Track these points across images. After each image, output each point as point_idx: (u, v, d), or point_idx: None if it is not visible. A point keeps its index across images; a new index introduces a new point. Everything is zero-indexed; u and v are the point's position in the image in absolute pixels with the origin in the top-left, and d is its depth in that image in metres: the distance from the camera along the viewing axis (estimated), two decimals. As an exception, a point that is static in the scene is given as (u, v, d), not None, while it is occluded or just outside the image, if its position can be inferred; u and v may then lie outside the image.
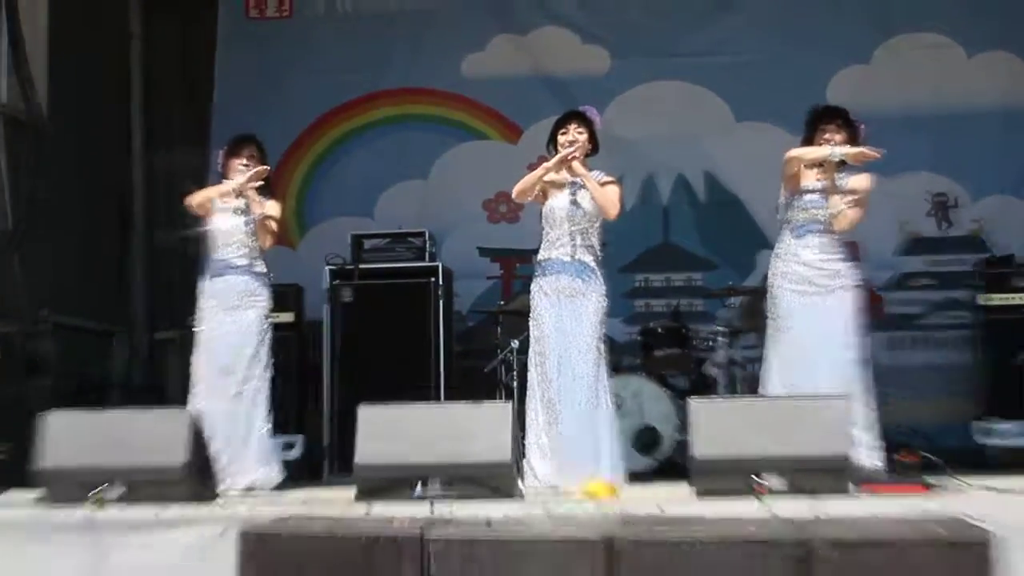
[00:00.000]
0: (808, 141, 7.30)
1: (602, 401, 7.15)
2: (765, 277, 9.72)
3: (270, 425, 7.49)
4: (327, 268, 9.40)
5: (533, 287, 7.35)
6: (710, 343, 9.19)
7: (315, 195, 11.03)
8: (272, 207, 7.66)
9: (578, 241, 7.29)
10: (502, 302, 9.94)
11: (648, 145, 10.60)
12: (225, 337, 7.41)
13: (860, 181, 7.23)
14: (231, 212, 7.59)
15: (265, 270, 7.64)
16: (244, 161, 7.58)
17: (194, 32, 11.27)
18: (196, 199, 7.53)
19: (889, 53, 10.55)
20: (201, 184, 8.12)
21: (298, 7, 11.26)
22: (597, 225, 7.37)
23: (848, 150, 7.07)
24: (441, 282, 9.33)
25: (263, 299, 7.56)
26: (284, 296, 9.19)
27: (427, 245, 9.57)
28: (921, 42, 10.55)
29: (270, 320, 7.60)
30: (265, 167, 7.59)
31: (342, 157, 11.05)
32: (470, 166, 10.82)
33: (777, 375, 7.07)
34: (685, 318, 9.64)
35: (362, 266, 9.40)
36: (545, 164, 7.33)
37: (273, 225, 7.61)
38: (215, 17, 11.20)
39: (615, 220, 7.39)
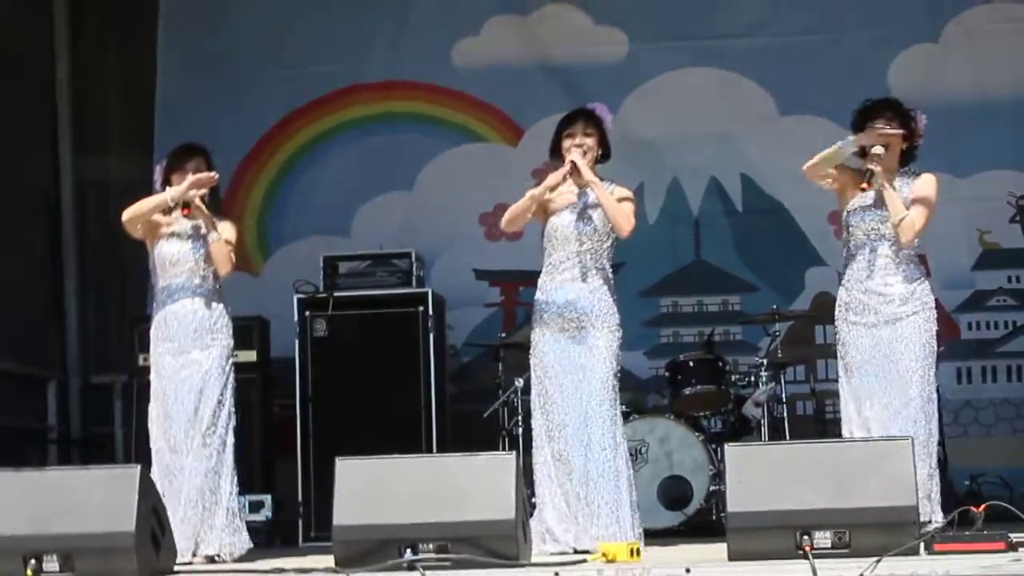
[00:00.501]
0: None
1: (620, 449, 7.32)
2: (814, 300, 10.03)
3: (236, 483, 7.62)
4: (296, 297, 9.55)
5: (534, 318, 7.46)
6: (750, 378, 9.34)
7: (280, 211, 11.13)
8: (226, 228, 7.74)
9: (588, 263, 7.42)
10: (503, 334, 10.01)
11: (674, 145, 10.76)
12: (184, 383, 7.53)
13: (923, 186, 7.38)
14: (178, 236, 7.68)
15: (224, 302, 7.75)
16: (189, 177, 7.62)
17: (131, 12, 11.26)
18: (128, 214, 7.61)
19: (962, 29, 10.67)
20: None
21: (256, -15, 11.30)
22: (609, 244, 7.49)
23: (855, 137, 7.22)
24: (431, 312, 9.47)
25: (224, 336, 7.68)
26: (245, 331, 9.33)
27: (414, 268, 9.69)
28: (1000, 15, 10.65)
29: (232, 360, 7.72)
30: (211, 174, 7.65)
31: (312, 165, 11.15)
32: (464, 173, 10.93)
33: (852, 421, 7.27)
34: (720, 349, 9.73)
35: (337, 294, 9.55)
36: (535, 191, 7.43)
37: (228, 249, 7.68)
38: (156, -2, 11.21)
39: (629, 237, 7.50)
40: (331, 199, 10.95)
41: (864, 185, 7.23)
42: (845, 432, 7.29)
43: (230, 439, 7.58)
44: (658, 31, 10.89)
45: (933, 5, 10.70)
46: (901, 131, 7.25)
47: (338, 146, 11.13)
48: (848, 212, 7.38)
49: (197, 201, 7.57)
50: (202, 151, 7.81)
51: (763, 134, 10.69)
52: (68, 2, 11.27)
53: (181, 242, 7.66)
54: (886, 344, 7.21)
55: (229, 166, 10.85)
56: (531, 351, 7.49)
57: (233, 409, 7.64)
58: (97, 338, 11.08)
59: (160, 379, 7.59)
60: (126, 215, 7.63)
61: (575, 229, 7.44)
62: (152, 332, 7.69)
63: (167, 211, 7.69)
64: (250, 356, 9.48)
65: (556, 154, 7.59)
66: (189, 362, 7.56)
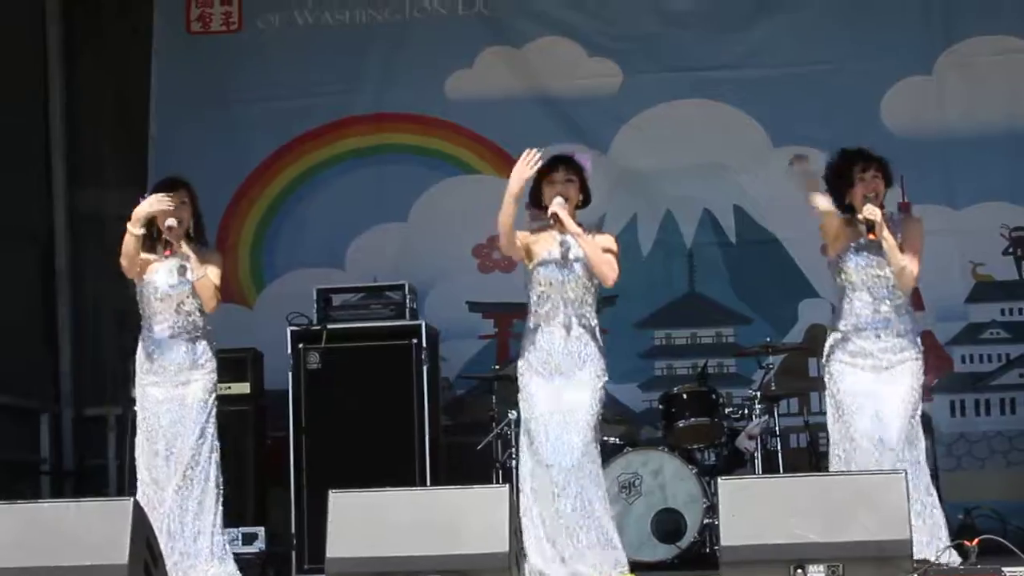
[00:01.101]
0: (838, 194, 7.51)
1: (600, 490, 7.37)
2: (807, 332, 10.06)
3: (221, 516, 7.62)
4: (289, 330, 9.56)
5: (521, 363, 7.53)
6: (744, 411, 9.34)
7: (273, 243, 11.16)
8: (212, 263, 7.75)
9: (571, 311, 7.47)
10: (497, 366, 10.02)
11: (667, 177, 10.80)
12: (165, 416, 7.56)
13: (914, 232, 7.52)
14: (163, 273, 7.69)
15: (209, 337, 7.77)
16: (173, 212, 7.61)
17: (125, 50, 11.37)
18: (123, 262, 7.61)
19: (955, 61, 10.71)
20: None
21: (249, 19, 11.38)
22: (593, 291, 7.55)
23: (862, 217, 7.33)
24: (425, 344, 9.48)
25: (208, 370, 7.70)
26: (239, 363, 9.37)
27: (407, 300, 9.70)
28: (993, 47, 10.69)
29: (215, 394, 7.73)
30: (163, 197, 7.55)
31: (305, 197, 11.19)
32: (457, 205, 10.94)
33: (838, 460, 7.36)
34: (714, 381, 9.75)
35: (330, 326, 9.57)
36: (511, 190, 7.43)
37: (214, 286, 7.68)
38: (150, 33, 11.29)
39: (615, 281, 7.53)
40: (324, 231, 11.00)
41: (871, 236, 7.30)
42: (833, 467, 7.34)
43: (213, 472, 7.59)
44: (651, 63, 10.94)
45: (926, 37, 10.75)
46: (875, 216, 7.30)
47: (331, 178, 11.17)
48: (841, 256, 7.44)
49: (182, 240, 7.60)
50: (185, 184, 7.81)
51: (756, 166, 10.72)
52: (62, 36, 11.36)
53: (166, 279, 7.68)
54: (885, 387, 7.31)
55: (222, 198, 10.95)
56: (520, 394, 7.55)
57: (216, 443, 7.65)
58: (90, 370, 11.12)
59: (144, 412, 7.63)
60: (122, 263, 7.64)
61: (559, 277, 7.49)
62: (136, 366, 7.73)
63: (151, 248, 7.71)
64: (243, 388, 9.51)
65: (536, 202, 7.64)
66: (172, 396, 7.59)
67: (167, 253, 7.63)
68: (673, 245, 10.81)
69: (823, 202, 7.39)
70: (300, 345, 9.51)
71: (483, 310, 10.77)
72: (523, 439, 7.48)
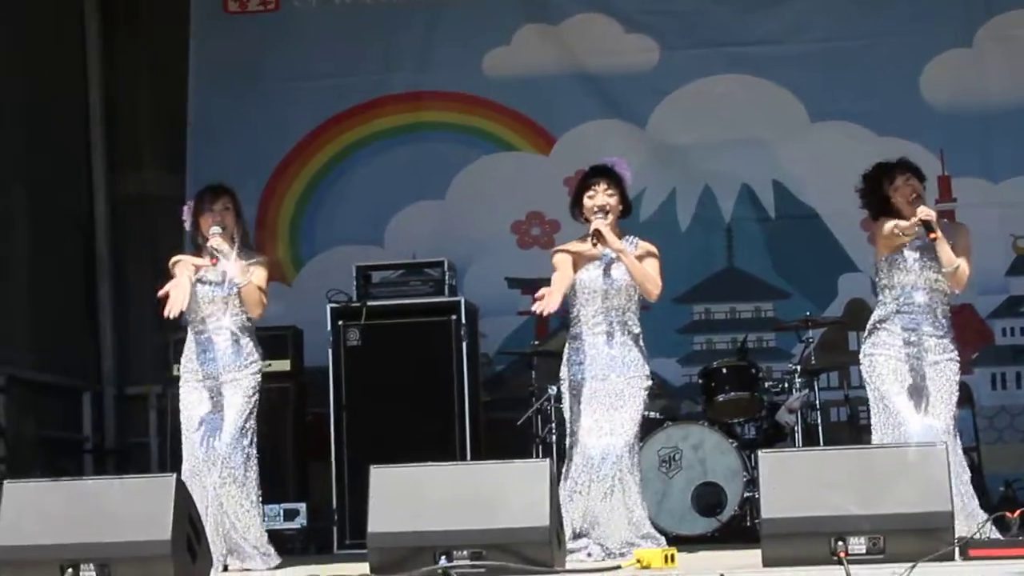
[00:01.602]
0: (877, 206, 7.55)
1: (636, 478, 7.45)
2: (847, 307, 10.04)
3: (260, 504, 7.66)
4: (329, 307, 9.61)
5: (564, 367, 7.62)
6: (784, 385, 9.34)
7: (312, 221, 11.18)
8: (258, 270, 7.75)
9: (614, 318, 7.53)
10: (536, 342, 10.07)
11: (705, 152, 10.77)
12: (210, 417, 7.58)
13: (964, 237, 7.58)
14: (210, 280, 7.71)
15: (254, 339, 7.77)
16: (217, 218, 7.67)
17: (163, 32, 11.37)
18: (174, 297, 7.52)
19: (994, 35, 10.65)
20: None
21: (286, -3, 11.40)
22: (636, 299, 7.60)
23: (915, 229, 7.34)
24: (464, 320, 9.53)
25: (252, 371, 7.70)
26: (279, 341, 9.41)
27: (446, 277, 9.74)
28: (1034, 18, 10.61)
29: (258, 394, 7.72)
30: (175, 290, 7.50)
31: (343, 175, 11.20)
32: (495, 182, 10.97)
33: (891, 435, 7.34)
34: (754, 356, 9.76)
35: (370, 303, 9.61)
36: (566, 254, 7.53)
37: (260, 293, 7.69)
38: (187, 14, 11.28)
39: (656, 298, 7.64)
40: (363, 209, 11.01)
41: (932, 236, 7.29)
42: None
43: (253, 464, 7.60)
44: (689, 38, 10.91)
45: (966, 10, 10.68)
46: (932, 215, 7.31)
47: (370, 156, 11.16)
48: (899, 253, 7.44)
49: (225, 249, 7.59)
50: (227, 191, 7.84)
51: (795, 140, 10.71)
52: (100, 20, 11.38)
53: (213, 286, 7.71)
54: (920, 382, 7.34)
55: (261, 178, 10.99)
56: (566, 390, 7.62)
57: (254, 439, 7.65)
58: (132, 349, 11.18)
59: (186, 410, 7.67)
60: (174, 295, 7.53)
61: (602, 285, 7.54)
62: (182, 362, 7.77)
63: (197, 252, 7.79)
64: (284, 365, 9.56)
65: (577, 209, 7.66)
66: (215, 393, 7.61)
67: (213, 262, 7.64)
68: (712, 220, 10.79)
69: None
70: (340, 322, 9.55)
71: (522, 286, 10.70)
72: (570, 435, 7.54)
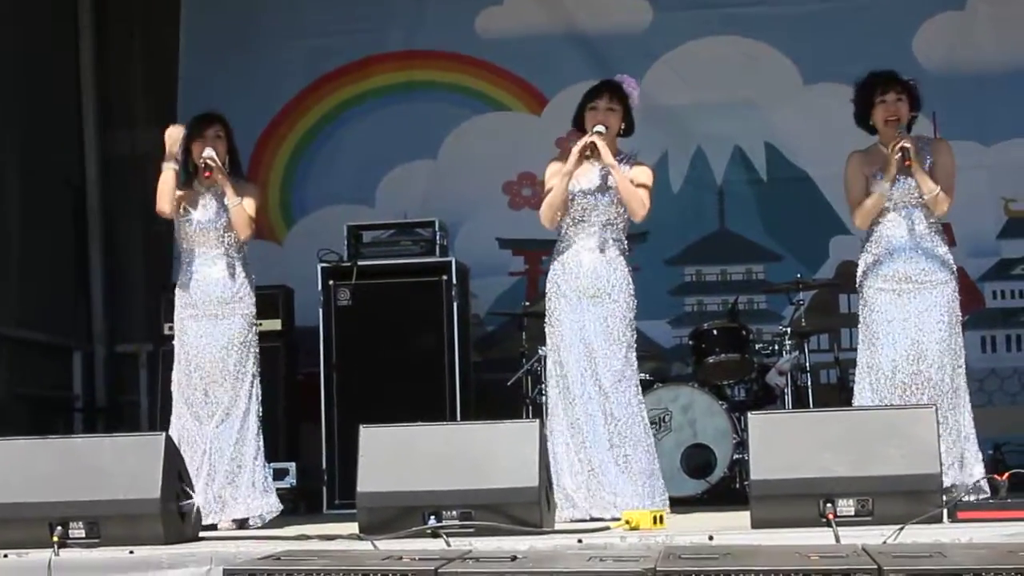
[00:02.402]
0: (862, 116, 7.50)
1: (640, 417, 7.36)
2: (838, 269, 10.04)
3: (262, 449, 7.67)
4: (320, 266, 9.59)
5: (549, 285, 7.50)
6: (774, 347, 9.34)
7: (303, 180, 11.17)
8: (248, 192, 7.78)
9: (605, 234, 7.44)
10: (527, 303, 10.06)
11: (698, 114, 10.76)
12: (205, 351, 7.59)
13: (945, 155, 7.47)
14: (201, 205, 7.72)
15: (248, 270, 7.79)
16: (209, 143, 7.68)
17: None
18: (159, 203, 7.65)
19: (988, -6, 10.62)
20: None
21: (279, -44, 11.32)
22: (626, 216, 7.52)
23: (887, 176, 7.29)
24: (455, 280, 9.50)
25: (247, 304, 7.73)
26: (270, 300, 9.38)
27: (437, 237, 9.72)
28: (1027, -21, 10.56)
29: (256, 328, 7.77)
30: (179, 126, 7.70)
31: (335, 134, 11.18)
32: (487, 142, 10.95)
33: (871, 388, 7.32)
34: (744, 318, 9.77)
35: (361, 263, 9.59)
36: (565, 170, 7.41)
37: (248, 213, 7.70)
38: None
39: (646, 216, 7.52)
40: (354, 168, 11.01)
41: (908, 163, 7.23)
42: (859, 397, 7.32)
43: (254, 406, 7.63)
44: (682, -1, 10.89)
45: (959, -28, 10.64)
46: (909, 139, 7.27)
47: (361, 115, 11.16)
48: (871, 179, 7.39)
49: (219, 166, 7.61)
50: (219, 118, 7.86)
51: (787, 102, 10.71)
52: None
53: (204, 211, 7.72)
54: (915, 314, 7.26)
55: (252, 136, 10.95)
56: (547, 320, 7.52)
57: (257, 377, 7.69)
58: (122, 308, 11.17)
59: (183, 346, 7.66)
60: (158, 205, 7.69)
61: (594, 200, 7.46)
62: (176, 299, 7.75)
63: (188, 184, 7.75)
64: (274, 325, 9.55)
65: (578, 125, 7.59)
66: (212, 329, 7.62)
67: (207, 175, 7.62)
68: (704, 182, 10.79)
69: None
70: (331, 281, 9.54)
71: (513, 247, 10.77)
72: (551, 367, 7.45)
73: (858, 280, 7.49)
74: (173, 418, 7.59)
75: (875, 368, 7.30)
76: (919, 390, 7.15)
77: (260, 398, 7.69)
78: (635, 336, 7.47)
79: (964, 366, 7.38)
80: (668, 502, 7.33)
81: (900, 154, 7.20)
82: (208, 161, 7.59)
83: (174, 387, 7.65)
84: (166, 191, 7.64)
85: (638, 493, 7.20)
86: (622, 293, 7.40)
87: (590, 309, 7.37)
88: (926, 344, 7.22)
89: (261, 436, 7.68)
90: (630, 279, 7.46)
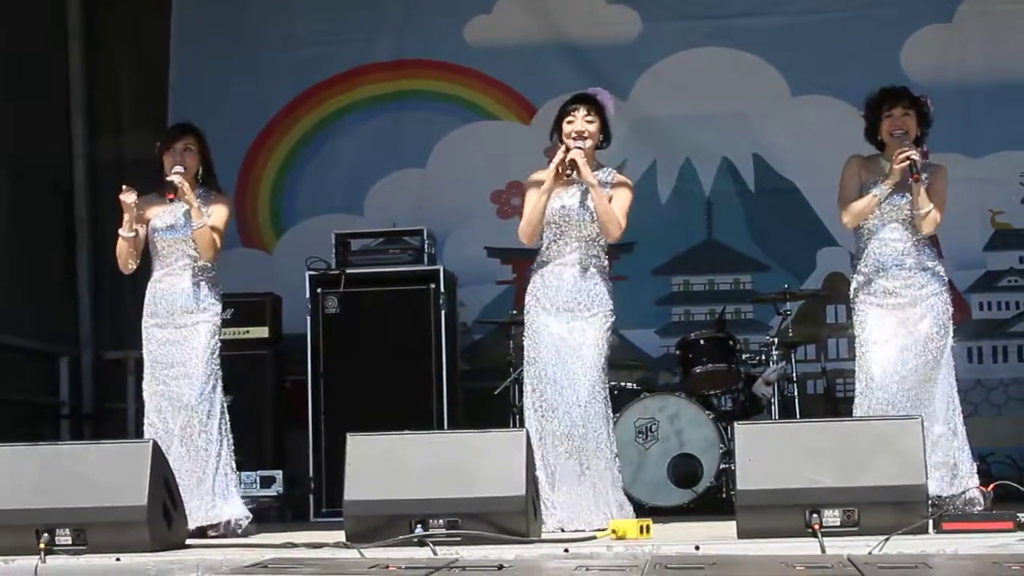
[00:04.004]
0: (872, 130, 7.51)
1: (607, 431, 7.32)
2: (826, 280, 10.06)
3: (231, 457, 7.64)
4: (308, 274, 9.58)
5: (528, 298, 7.47)
6: (761, 357, 9.35)
7: (293, 189, 11.16)
8: (217, 211, 7.72)
9: (585, 249, 7.41)
10: (515, 311, 10.05)
11: (686, 125, 10.75)
12: (170, 358, 7.59)
13: (941, 180, 7.50)
14: (168, 222, 7.69)
15: (212, 281, 7.75)
16: (178, 158, 7.64)
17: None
18: (119, 261, 7.72)
19: (975, 9, 10.65)
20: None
21: (269, -37, 11.32)
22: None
23: (887, 182, 7.30)
24: (443, 289, 9.51)
25: (212, 313, 7.70)
26: (258, 307, 9.41)
27: (426, 245, 9.72)
28: (1013, -5, 10.58)
29: (219, 337, 7.73)
30: (129, 191, 7.59)
31: (324, 144, 11.17)
32: (476, 151, 10.96)
33: (867, 404, 7.31)
34: (732, 328, 9.73)
35: (349, 271, 9.59)
36: (543, 187, 7.38)
37: (213, 235, 7.65)
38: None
39: (617, 239, 7.48)
40: (344, 177, 11.00)
41: (914, 177, 7.24)
42: (860, 407, 7.32)
43: (217, 413, 7.59)
44: (670, 10, 10.90)
45: (946, -16, 10.66)
46: (917, 152, 7.28)
47: (351, 125, 11.15)
48: (867, 185, 7.41)
49: (185, 187, 7.55)
50: (193, 130, 7.81)
51: (775, 114, 10.72)
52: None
53: (170, 226, 7.70)
54: (910, 323, 7.30)
55: (242, 145, 10.98)
56: (525, 332, 7.49)
57: (221, 385, 7.65)
58: (110, 314, 11.14)
59: (149, 354, 7.67)
60: (120, 267, 7.75)
61: (576, 215, 7.41)
62: (144, 309, 7.74)
63: (161, 194, 7.71)
64: (262, 332, 9.56)
65: (557, 135, 7.54)
66: (175, 338, 7.61)
67: (170, 196, 7.60)
68: (692, 193, 10.79)
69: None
70: (318, 289, 9.54)
71: (501, 256, 10.76)
72: (528, 380, 7.40)
73: (851, 296, 7.50)
74: (145, 426, 7.59)
75: (871, 383, 7.30)
76: (911, 405, 7.14)
77: (225, 406, 7.66)
78: (609, 350, 7.44)
79: (955, 377, 7.37)
80: (633, 514, 7.25)
81: (906, 163, 7.21)
82: (174, 180, 7.54)
83: (145, 395, 7.66)
84: (123, 257, 7.68)
85: (598, 508, 7.16)
86: (601, 308, 7.37)
87: (568, 325, 7.34)
88: (920, 357, 7.23)
89: (227, 444, 7.63)
90: (608, 294, 7.42)
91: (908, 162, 7.20)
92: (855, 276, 7.50)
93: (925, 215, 7.28)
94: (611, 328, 7.43)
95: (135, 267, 7.74)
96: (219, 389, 7.64)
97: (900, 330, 7.29)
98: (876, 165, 7.45)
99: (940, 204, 7.38)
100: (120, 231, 7.66)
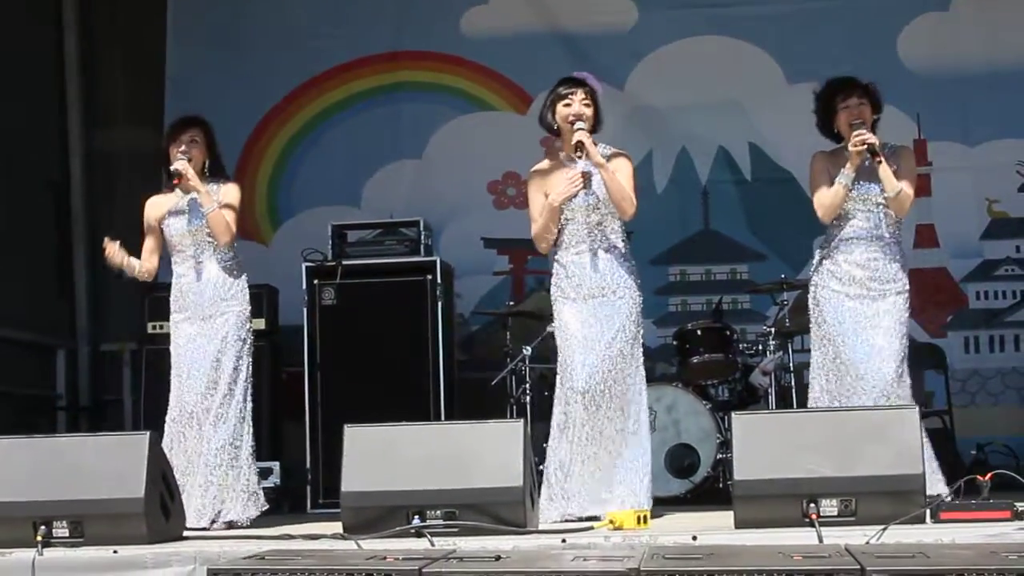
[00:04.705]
0: (826, 124, 7.54)
1: (644, 416, 7.31)
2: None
3: (252, 451, 7.63)
4: (305, 266, 9.57)
5: (552, 289, 7.41)
6: (758, 347, 9.35)
7: (289, 181, 11.19)
8: (228, 193, 7.70)
9: (597, 233, 7.34)
10: (511, 302, 10.08)
11: (682, 114, 10.77)
12: (200, 350, 7.55)
13: (908, 158, 7.49)
14: (180, 212, 7.69)
15: (238, 267, 7.74)
16: (183, 148, 7.63)
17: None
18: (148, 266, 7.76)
19: (971, -3, 10.63)
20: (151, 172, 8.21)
21: (265, -45, 11.32)
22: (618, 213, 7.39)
23: (847, 170, 7.29)
24: (439, 280, 9.49)
25: (240, 301, 7.69)
26: (254, 299, 9.28)
27: (422, 237, 9.71)
28: (1010, -17, 10.58)
29: (250, 326, 7.72)
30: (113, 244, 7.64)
31: (321, 136, 11.20)
32: (472, 142, 10.98)
33: (821, 389, 7.36)
34: (728, 318, 9.77)
35: (346, 262, 9.58)
36: (553, 201, 7.28)
37: (228, 218, 7.63)
38: (166, -29, 11.23)
39: (632, 216, 7.38)
40: (340, 169, 11.02)
41: (876, 159, 7.24)
42: (812, 399, 7.34)
43: (248, 406, 7.59)
44: (666, -1, 10.89)
45: (943, -27, 10.66)
46: (874, 140, 7.25)
47: (347, 116, 11.18)
48: (835, 178, 7.40)
49: (190, 173, 7.54)
50: (200, 122, 7.79)
51: (771, 103, 10.70)
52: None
53: (182, 218, 7.68)
54: (867, 318, 7.29)
55: (240, 138, 10.97)
56: (555, 324, 7.39)
57: (251, 376, 7.64)
58: (106, 307, 11.15)
59: (177, 348, 7.61)
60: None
61: (583, 202, 7.33)
62: (171, 305, 7.70)
63: (170, 187, 7.74)
64: (259, 324, 9.50)
65: (551, 117, 7.45)
66: (205, 330, 7.58)
67: (176, 182, 7.60)
68: (688, 182, 10.81)
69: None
70: (315, 281, 9.54)
71: (498, 246, 10.79)
72: (561, 368, 7.29)
73: (813, 270, 7.50)
74: (167, 421, 7.51)
75: (826, 369, 7.31)
76: (866, 395, 7.14)
77: (254, 399, 7.66)
78: (641, 331, 7.38)
79: (908, 378, 7.33)
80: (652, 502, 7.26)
81: (863, 147, 7.20)
82: (177, 167, 7.53)
83: (172, 390, 7.58)
84: (143, 278, 7.76)
85: (633, 493, 7.12)
86: (628, 290, 7.31)
87: (594, 308, 7.28)
88: (876, 349, 7.23)
89: (252, 439, 7.62)
90: (634, 273, 7.37)
91: (865, 146, 7.19)
92: (818, 253, 7.53)
93: (896, 195, 7.25)
94: (640, 308, 7.35)
95: (155, 268, 7.76)
96: (249, 380, 7.61)
97: (859, 324, 7.28)
98: (841, 158, 7.44)
99: (910, 182, 7.35)
100: (128, 275, 7.68)
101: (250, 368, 7.66)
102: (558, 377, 7.36)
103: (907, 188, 7.29)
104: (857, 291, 7.33)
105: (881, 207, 7.34)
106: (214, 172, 7.79)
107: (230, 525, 7.41)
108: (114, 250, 7.59)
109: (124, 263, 7.61)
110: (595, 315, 7.28)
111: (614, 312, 7.28)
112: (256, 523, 7.51)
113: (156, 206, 7.78)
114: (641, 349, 7.38)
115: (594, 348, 7.23)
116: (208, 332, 7.58)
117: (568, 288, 7.35)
